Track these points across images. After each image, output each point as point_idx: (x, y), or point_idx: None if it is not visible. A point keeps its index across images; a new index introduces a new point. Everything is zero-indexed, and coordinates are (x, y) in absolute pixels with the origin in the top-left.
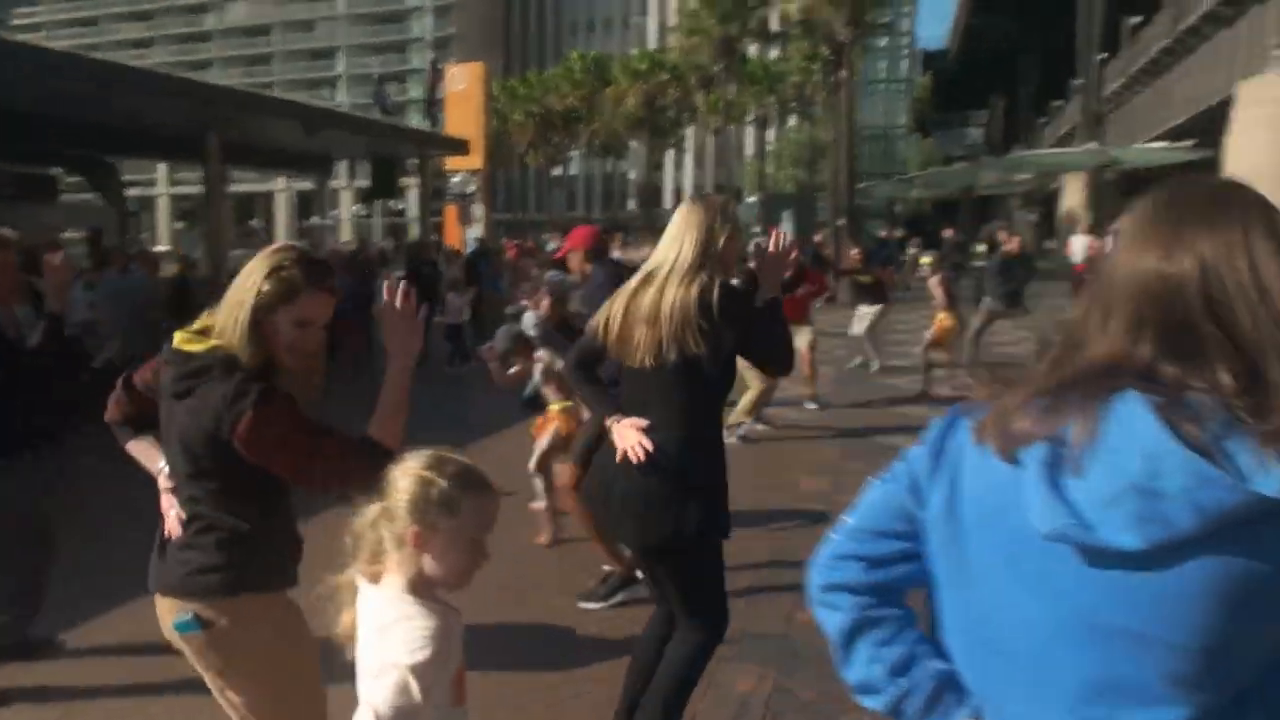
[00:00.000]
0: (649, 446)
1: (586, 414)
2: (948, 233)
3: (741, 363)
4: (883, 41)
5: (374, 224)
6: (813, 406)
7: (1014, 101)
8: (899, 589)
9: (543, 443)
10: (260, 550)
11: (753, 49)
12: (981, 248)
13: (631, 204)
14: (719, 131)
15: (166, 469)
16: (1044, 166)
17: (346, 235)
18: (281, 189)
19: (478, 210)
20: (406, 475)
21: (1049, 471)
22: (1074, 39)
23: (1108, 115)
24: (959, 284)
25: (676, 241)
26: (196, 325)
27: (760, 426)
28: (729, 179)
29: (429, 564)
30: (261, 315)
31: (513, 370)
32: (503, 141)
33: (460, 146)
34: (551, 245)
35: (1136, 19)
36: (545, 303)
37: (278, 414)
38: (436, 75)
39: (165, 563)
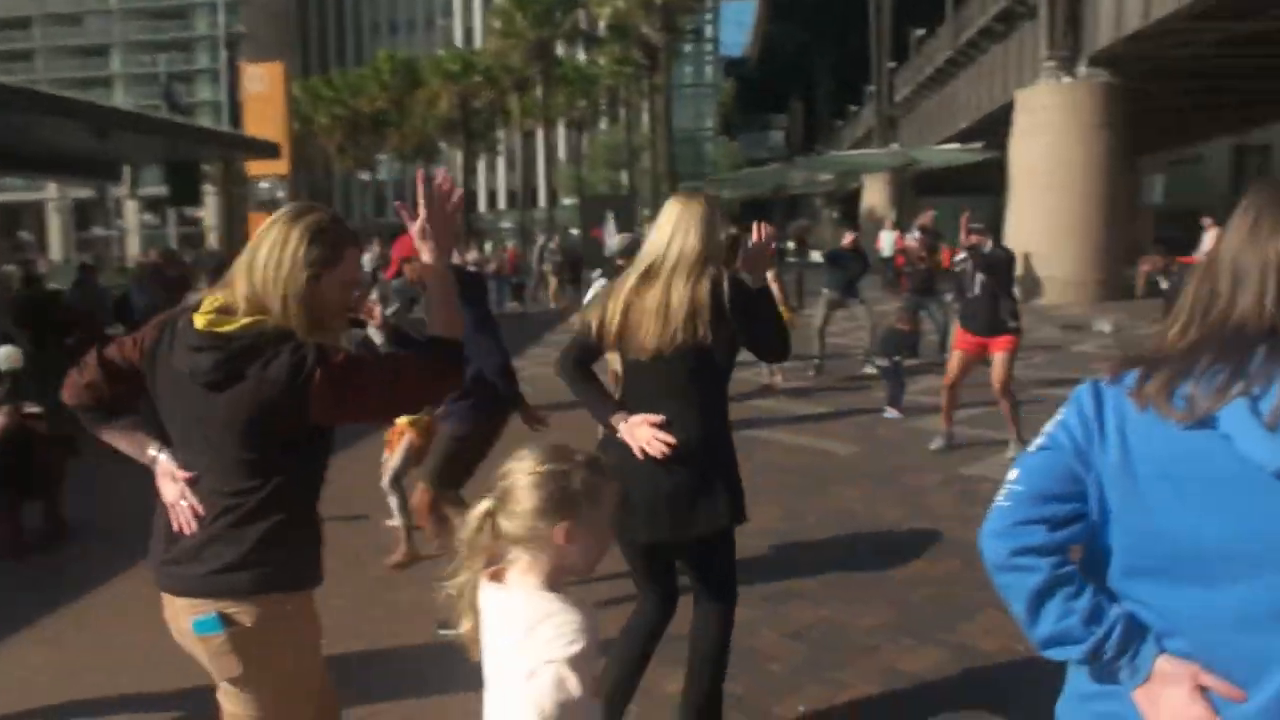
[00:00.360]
0: (670, 440)
1: (443, 426)
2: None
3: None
4: (688, 47)
5: (167, 234)
6: None
7: (812, 106)
8: (1070, 547)
9: (395, 459)
10: (297, 545)
11: (567, 52)
12: (790, 245)
13: None
14: (532, 134)
15: (163, 457)
16: (850, 166)
17: (134, 247)
18: (54, 198)
19: None
20: (533, 473)
21: (1259, 420)
22: (866, 47)
23: (900, 119)
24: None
25: (678, 235)
26: (211, 305)
27: None
28: (543, 182)
29: (572, 556)
30: (312, 282)
31: None
32: (307, 145)
33: (271, 150)
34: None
35: (921, 31)
36: (376, 310)
37: (344, 365)
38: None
39: (181, 560)
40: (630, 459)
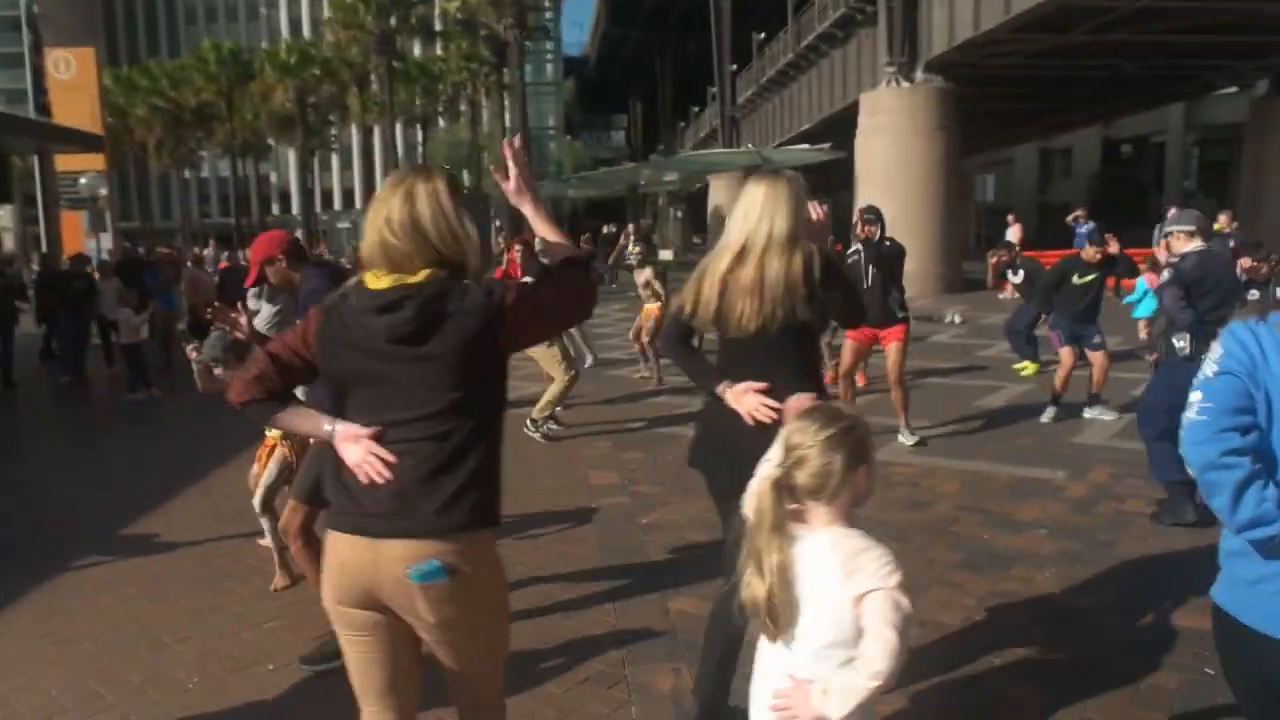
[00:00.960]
0: (777, 405)
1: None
2: (609, 228)
3: (544, 356)
4: (532, 45)
5: None
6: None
7: (653, 106)
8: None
9: (268, 474)
10: (496, 481)
11: (409, 46)
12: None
13: (276, 208)
14: (372, 131)
15: (340, 425)
16: (705, 166)
17: None
18: None
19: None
20: (826, 438)
21: None
22: (707, 50)
23: (741, 120)
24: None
25: (766, 216)
26: (377, 277)
27: (556, 426)
28: (381, 180)
29: (863, 491)
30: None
31: (218, 372)
32: (120, 138)
33: (95, 142)
34: (210, 253)
35: (762, 35)
36: (242, 321)
37: (522, 290)
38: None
39: (388, 509)
40: (733, 423)
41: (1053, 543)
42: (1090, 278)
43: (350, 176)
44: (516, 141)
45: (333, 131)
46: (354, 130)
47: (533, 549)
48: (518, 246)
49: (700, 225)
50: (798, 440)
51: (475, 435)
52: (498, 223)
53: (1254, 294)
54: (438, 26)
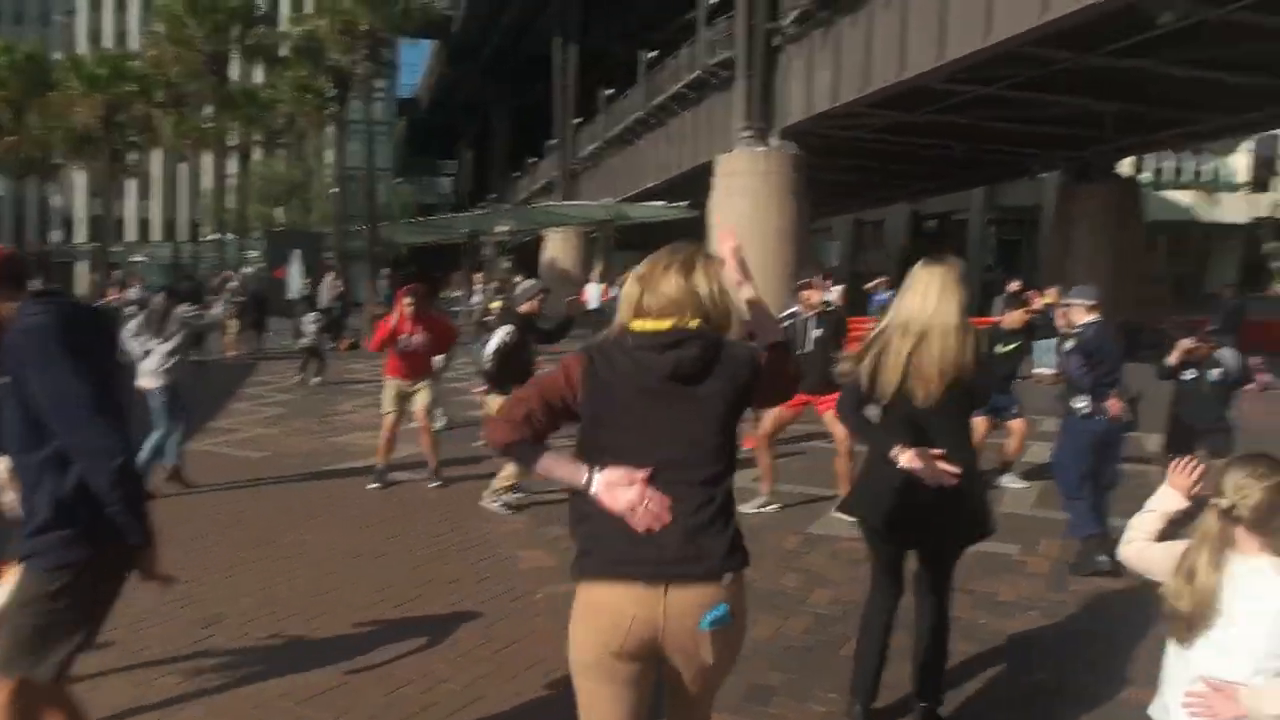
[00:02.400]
0: (957, 470)
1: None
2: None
3: None
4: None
5: None
6: (436, 483)
7: (484, 154)
8: None
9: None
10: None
11: (247, 70)
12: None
13: (58, 235)
14: (185, 158)
15: (599, 473)
16: (560, 218)
17: None
18: None
19: None
20: (1267, 478)
21: None
22: (545, 101)
23: (581, 174)
24: None
25: (938, 297)
26: (644, 323)
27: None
28: (190, 212)
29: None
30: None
31: None
32: None
33: None
34: None
35: (610, 91)
36: None
37: (761, 353)
38: None
39: (673, 555)
40: (895, 477)
41: (1054, 626)
42: (1013, 346)
43: (148, 206)
44: (733, 242)
45: (132, 156)
46: (158, 156)
47: (487, 659)
48: (408, 299)
49: (530, 277)
50: (1245, 482)
51: (730, 481)
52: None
53: (1190, 373)
54: (281, 51)
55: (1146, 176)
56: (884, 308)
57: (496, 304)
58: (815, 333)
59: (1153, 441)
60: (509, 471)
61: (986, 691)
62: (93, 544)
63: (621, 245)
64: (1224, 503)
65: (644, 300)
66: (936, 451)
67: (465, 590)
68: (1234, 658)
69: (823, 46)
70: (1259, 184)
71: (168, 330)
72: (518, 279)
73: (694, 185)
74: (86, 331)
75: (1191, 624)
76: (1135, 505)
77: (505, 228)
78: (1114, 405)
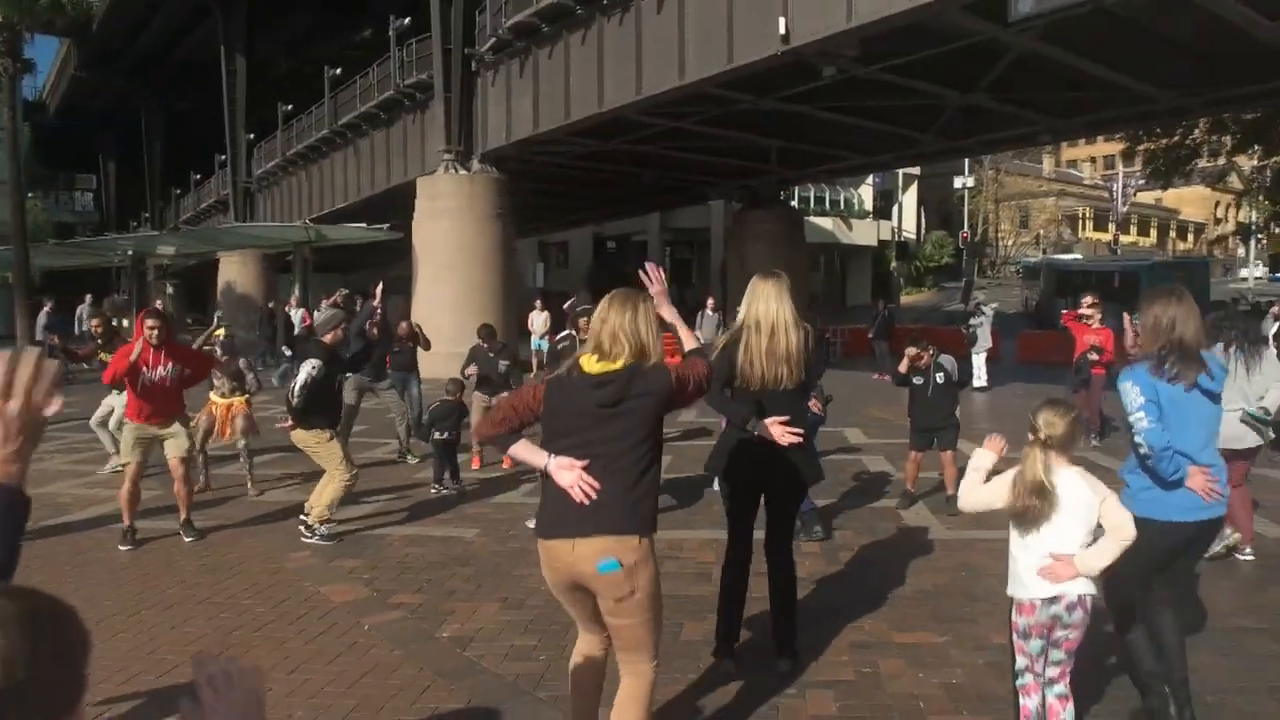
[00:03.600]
0: (799, 431)
1: None
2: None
3: (325, 451)
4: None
5: None
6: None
7: (132, 168)
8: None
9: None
10: (656, 500)
11: None
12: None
13: None
14: None
15: (554, 458)
16: (254, 240)
17: None
18: None
19: None
20: (1069, 419)
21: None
22: (207, 111)
23: (258, 193)
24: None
25: (777, 301)
26: (590, 362)
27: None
28: None
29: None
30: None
31: None
32: None
33: None
34: None
35: (289, 106)
36: None
37: (679, 369)
38: None
39: (585, 519)
40: (747, 443)
41: (843, 589)
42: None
43: None
44: (656, 269)
45: None
46: None
47: (341, 694)
48: (151, 322)
49: (197, 303)
50: (1052, 418)
51: (650, 468)
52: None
53: (918, 380)
54: None
55: (794, 204)
56: (719, 326)
57: (221, 332)
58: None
59: (853, 434)
60: (324, 502)
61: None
62: None
63: (320, 268)
64: (1041, 434)
65: (600, 341)
66: (783, 418)
67: (284, 632)
68: (1065, 537)
69: (521, 75)
70: (881, 212)
71: None
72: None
73: (388, 207)
74: None
75: (1034, 518)
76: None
77: (170, 249)
78: (814, 405)
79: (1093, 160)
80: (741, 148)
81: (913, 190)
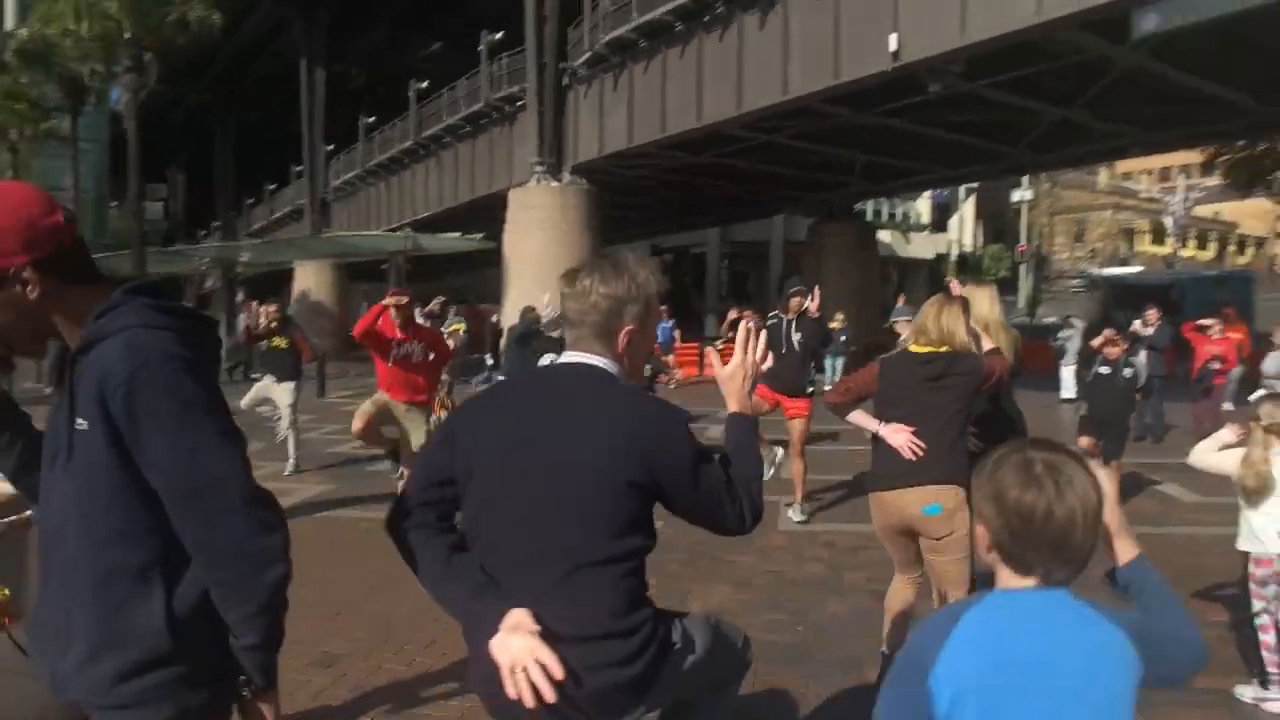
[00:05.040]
0: (921, 445)
1: None
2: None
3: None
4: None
5: None
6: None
7: (200, 178)
8: None
9: None
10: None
11: None
12: None
13: None
14: None
15: (885, 425)
16: (351, 248)
17: None
18: None
19: None
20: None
21: None
22: (277, 124)
23: (334, 204)
24: None
25: (994, 305)
26: (916, 344)
27: None
28: None
29: None
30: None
31: None
32: None
33: None
34: None
35: (372, 118)
36: None
37: (985, 360)
38: None
39: (916, 471)
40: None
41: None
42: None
43: None
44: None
45: None
46: None
47: None
48: (398, 299)
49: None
50: (1273, 410)
51: (961, 429)
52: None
53: (1105, 369)
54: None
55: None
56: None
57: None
58: (796, 336)
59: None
60: None
61: None
62: (217, 680)
63: (357, 277)
64: (1264, 422)
65: (922, 334)
66: (907, 429)
67: None
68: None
69: (615, 89)
70: (938, 226)
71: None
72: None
73: (468, 217)
74: (215, 362)
75: (1258, 492)
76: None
77: (245, 258)
78: None
79: (1149, 173)
80: (828, 161)
81: (970, 203)
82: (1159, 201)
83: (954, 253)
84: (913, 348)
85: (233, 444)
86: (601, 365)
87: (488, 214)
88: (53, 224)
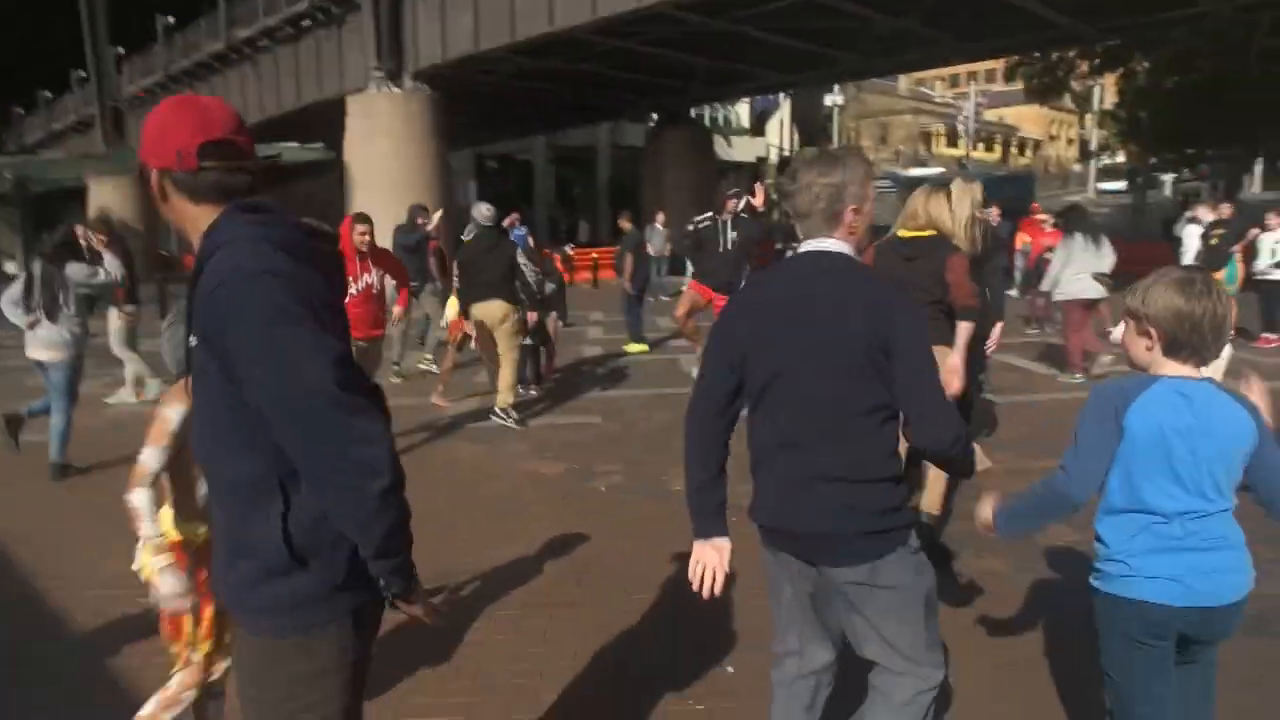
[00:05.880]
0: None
1: None
2: None
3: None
4: None
5: None
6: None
7: None
8: None
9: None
10: None
11: None
12: None
13: None
14: None
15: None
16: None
17: None
18: None
19: None
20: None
21: None
22: (44, 24)
23: (129, 113)
24: None
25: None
26: (909, 229)
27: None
28: None
29: None
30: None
31: None
32: None
33: None
34: None
35: (170, 19)
36: None
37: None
38: None
39: None
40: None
41: None
42: None
43: None
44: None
45: None
46: None
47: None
48: (362, 226)
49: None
50: None
51: (932, 296)
52: None
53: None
54: None
55: None
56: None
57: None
58: (731, 235)
59: None
60: (508, 384)
61: None
62: (351, 589)
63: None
64: None
65: (912, 218)
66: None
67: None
68: None
69: None
70: (756, 130)
71: (63, 294)
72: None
73: (298, 126)
74: (324, 275)
75: None
76: None
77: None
78: None
79: (943, 79)
80: (672, 66)
81: (786, 107)
82: (953, 105)
83: (772, 155)
84: (900, 232)
85: (326, 356)
86: (835, 248)
87: (320, 121)
88: (181, 144)
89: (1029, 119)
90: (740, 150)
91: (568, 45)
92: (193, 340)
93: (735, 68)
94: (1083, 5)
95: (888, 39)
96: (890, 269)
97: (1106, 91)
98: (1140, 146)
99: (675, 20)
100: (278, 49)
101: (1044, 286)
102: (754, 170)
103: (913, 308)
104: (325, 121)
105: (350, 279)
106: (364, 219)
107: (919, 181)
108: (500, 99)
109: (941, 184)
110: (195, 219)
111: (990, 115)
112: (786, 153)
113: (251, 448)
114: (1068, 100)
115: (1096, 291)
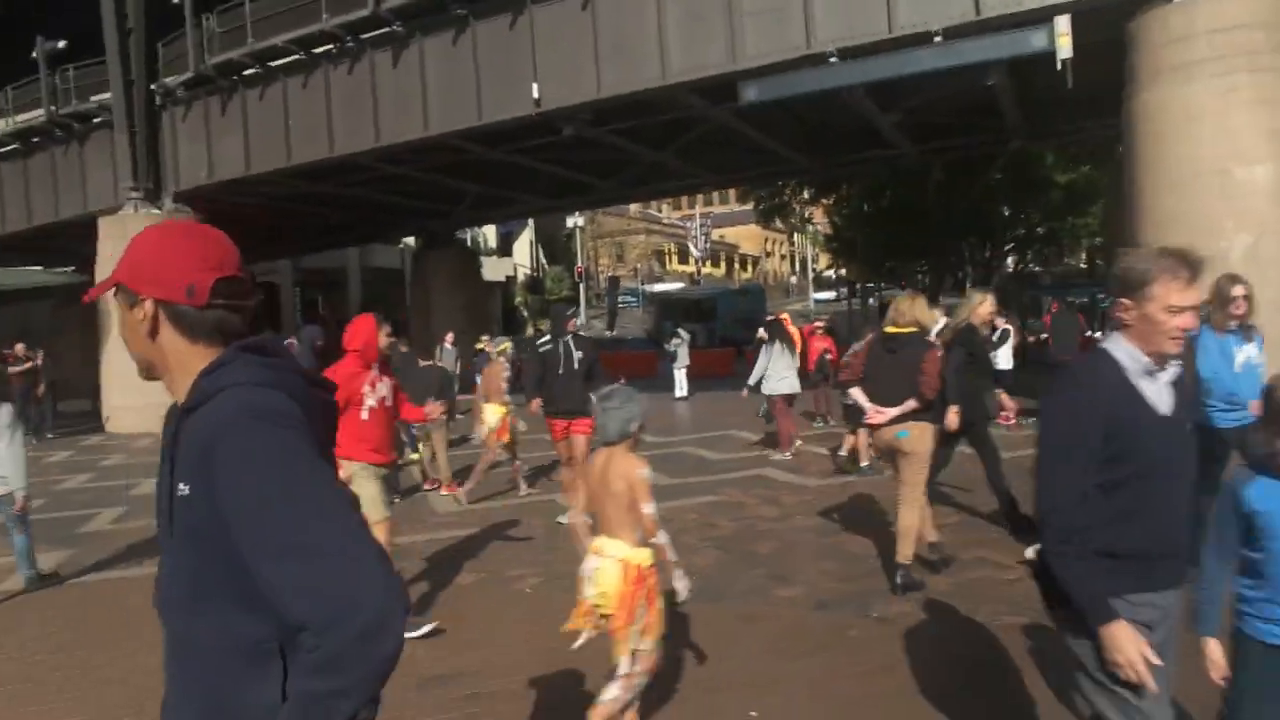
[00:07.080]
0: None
1: None
2: None
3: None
4: None
5: None
6: None
7: None
8: None
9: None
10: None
11: None
12: None
13: None
14: None
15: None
16: None
17: None
18: None
19: None
20: None
21: None
22: None
23: None
24: None
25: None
26: (896, 327)
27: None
28: None
29: None
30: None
31: None
32: None
33: None
34: None
35: None
36: None
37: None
38: None
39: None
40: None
41: None
42: None
43: None
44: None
45: None
46: None
47: None
48: (389, 328)
49: None
50: None
51: (911, 383)
52: None
53: None
54: None
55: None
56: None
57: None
58: (577, 355)
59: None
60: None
61: None
62: None
63: None
64: None
65: (901, 316)
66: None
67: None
68: None
69: (224, 114)
70: (503, 250)
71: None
72: None
73: (25, 250)
74: (323, 424)
75: None
76: None
77: None
78: None
79: (669, 202)
80: (444, 191)
81: (529, 229)
82: (679, 226)
83: (520, 274)
84: (888, 329)
85: (330, 511)
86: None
87: (57, 244)
88: (194, 277)
89: (746, 237)
90: (490, 270)
91: (346, 169)
92: (181, 489)
93: (502, 193)
94: (814, 146)
95: (645, 171)
96: (877, 356)
97: (815, 213)
98: (857, 264)
99: (456, 149)
100: (2, 164)
101: (750, 382)
102: (502, 289)
103: None
104: (62, 244)
105: (368, 387)
106: (385, 320)
107: (661, 296)
108: (256, 222)
109: (748, 290)
110: (187, 357)
111: (715, 234)
112: (532, 272)
113: (254, 608)
114: (777, 221)
115: (790, 387)
